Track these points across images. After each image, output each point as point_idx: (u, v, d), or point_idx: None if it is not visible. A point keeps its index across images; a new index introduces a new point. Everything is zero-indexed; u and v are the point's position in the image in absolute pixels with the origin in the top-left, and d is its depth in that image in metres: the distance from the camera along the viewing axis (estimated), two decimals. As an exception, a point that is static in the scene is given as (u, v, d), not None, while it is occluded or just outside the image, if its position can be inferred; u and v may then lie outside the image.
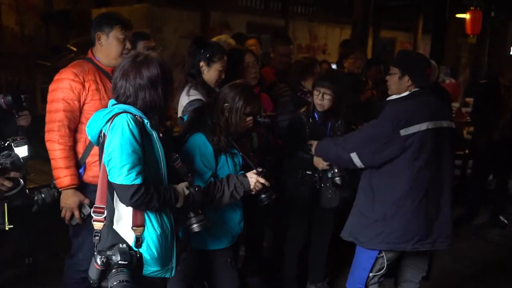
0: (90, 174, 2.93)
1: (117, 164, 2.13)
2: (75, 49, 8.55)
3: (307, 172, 3.69)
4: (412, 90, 2.94)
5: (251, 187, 2.73)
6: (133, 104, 2.27)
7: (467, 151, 7.17)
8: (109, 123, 2.20)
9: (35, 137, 2.99)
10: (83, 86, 2.89)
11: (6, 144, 2.46)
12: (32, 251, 3.12)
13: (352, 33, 7.08)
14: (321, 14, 12.02)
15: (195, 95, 3.27)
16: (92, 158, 2.93)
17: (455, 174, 7.65)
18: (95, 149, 2.89)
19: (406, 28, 13.70)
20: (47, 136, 2.87)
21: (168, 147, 2.42)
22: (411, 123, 2.77)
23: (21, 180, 2.42)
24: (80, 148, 2.96)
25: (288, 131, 3.79)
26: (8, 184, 2.33)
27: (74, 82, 2.87)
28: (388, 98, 3.06)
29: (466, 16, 8.87)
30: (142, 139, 2.20)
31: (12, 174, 2.38)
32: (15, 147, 2.47)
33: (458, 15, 10.91)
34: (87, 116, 2.86)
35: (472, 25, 8.54)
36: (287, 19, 11.10)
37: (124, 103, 2.28)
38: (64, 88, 2.87)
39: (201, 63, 3.35)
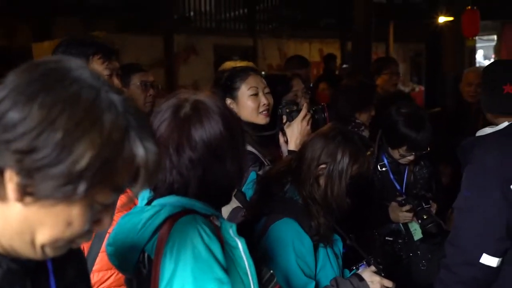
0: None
1: None
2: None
3: (387, 238, 2.67)
4: None
5: None
6: (187, 195, 1.28)
7: None
8: (156, 236, 1.21)
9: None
10: None
11: None
12: None
13: (353, 46, 6.17)
14: (289, 30, 11.16)
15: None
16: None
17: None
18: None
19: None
20: None
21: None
22: None
23: None
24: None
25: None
26: None
27: None
28: (478, 133, 2.08)
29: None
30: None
31: None
32: None
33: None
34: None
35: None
36: (255, 38, 10.15)
37: (169, 194, 1.28)
38: None
39: (228, 102, 2.24)
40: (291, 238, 1.68)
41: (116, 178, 0.73)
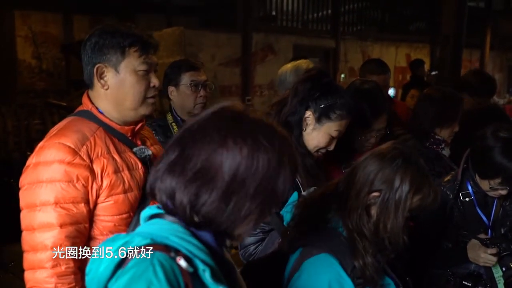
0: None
1: None
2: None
3: (464, 282, 2.25)
4: None
5: None
6: (195, 224, 1.06)
7: None
8: (120, 271, 1.00)
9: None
10: (91, 170, 1.58)
11: None
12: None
13: (441, 51, 5.63)
14: (374, 33, 10.65)
15: None
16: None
17: None
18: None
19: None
20: (31, 279, 1.53)
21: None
22: None
23: None
24: None
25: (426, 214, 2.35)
26: None
27: (72, 166, 1.55)
28: None
29: None
30: None
31: None
32: None
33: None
34: (102, 226, 1.64)
35: None
36: (338, 39, 9.74)
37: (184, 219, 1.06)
38: (55, 180, 1.54)
39: (308, 114, 1.96)
40: (327, 280, 1.36)
41: None
